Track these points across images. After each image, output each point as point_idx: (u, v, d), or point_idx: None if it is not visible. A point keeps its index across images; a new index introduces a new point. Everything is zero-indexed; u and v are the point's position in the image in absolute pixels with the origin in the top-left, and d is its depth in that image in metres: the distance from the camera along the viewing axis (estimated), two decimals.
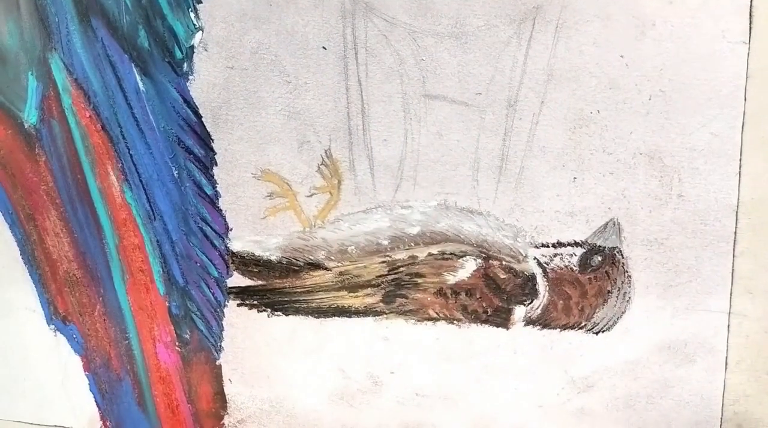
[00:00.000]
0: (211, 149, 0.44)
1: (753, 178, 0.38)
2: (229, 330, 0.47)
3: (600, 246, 0.41)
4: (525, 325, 0.43)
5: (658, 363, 0.42)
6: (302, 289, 0.45)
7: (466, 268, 0.42)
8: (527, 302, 0.42)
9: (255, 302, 0.46)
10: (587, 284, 0.41)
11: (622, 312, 0.41)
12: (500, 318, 0.43)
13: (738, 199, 0.39)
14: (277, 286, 0.45)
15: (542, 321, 0.42)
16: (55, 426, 0.52)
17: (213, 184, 0.44)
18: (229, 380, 0.48)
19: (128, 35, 0.43)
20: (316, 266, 0.44)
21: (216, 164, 0.44)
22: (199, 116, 0.43)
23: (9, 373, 0.52)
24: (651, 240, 0.40)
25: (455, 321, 0.44)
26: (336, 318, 0.45)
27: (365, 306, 0.44)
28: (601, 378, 0.43)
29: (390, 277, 0.43)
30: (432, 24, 0.40)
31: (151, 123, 0.44)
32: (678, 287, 0.40)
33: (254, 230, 0.45)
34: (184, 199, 0.45)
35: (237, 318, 0.46)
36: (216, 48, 0.42)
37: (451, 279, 0.43)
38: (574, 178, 0.40)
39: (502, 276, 0.42)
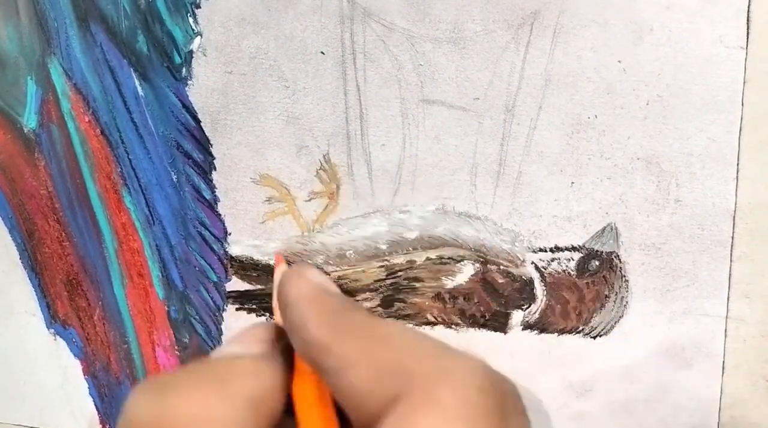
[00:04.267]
0: (210, 154, 0.44)
1: (750, 183, 0.38)
2: (228, 334, 0.47)
3: (598, 250, 0.41)
4: (523, 330, 0.43)
5: (656, 368, 0.42)
6: None
7: (464, 273, 0.42)
8: (525, 306, 0.42)
9: (254, 306, 0.46)
10: (585, 288, 0.41)
11: (620, 317, 0.41)
12: (498, 323, 0.43)
13: (735, 204, 0.39)
14: None
15: (540, 326, 0.42)
16: None
17: (212, 188, 0.44)
18: None
19: (127, 40, 0.43)
20: None
21: (215, 169, 0.44)
22: (197, 121, 0.44)
23: (8, 377, 0.52)
24: (648, 244, 0.40)
25: (453, 326, 0.44)
26: None
27: None
28: (599, 383, 0.43)
29: (388, 282, 0.43)
30: (430, 29, 0.40)
31: (150, 128, 0.44)
32: (675, 291, 0.40)
33: (253, 234, 0.45)
34: (183, 203, 0.45)
35: (236, 322, 0.47)
36: (215, 53, 0.42)
37: (449, 283, 0.43)
38: (572, 182, 0.40)
39: (500, 281, 0.42)
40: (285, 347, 0.25)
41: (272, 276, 0.45)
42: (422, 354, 0.20)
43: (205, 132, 0.44)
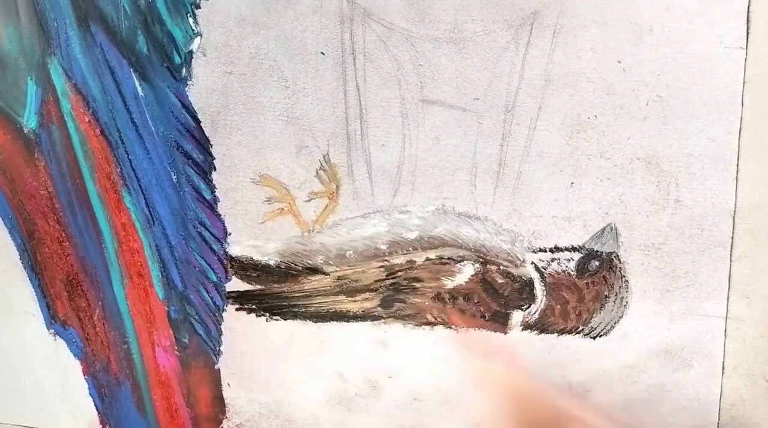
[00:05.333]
0: (210, 154, 0.44)
1: (750, 183, 0.38)
2: (228, 334, 0.47)
3: (597, 251, 0.41)
4: (523, 330, 0.43)
5: (656, 368, 0.42)
6: (300, 294, 0.45)
7: (464, 273, 0.42)
8: (525, 307, 0.42)
9: (253, 306, 0.46)
10: (585, 289, 0.41)
11: (620, 317, 0.41)
12: (498, 323, 0.43)
13: (735, 204, 0.39)
14: (276, 291, 0.45)
15: (540, 326, 0.42)
16: None
17: (212, 188, 0.44)
18: (228, 384, 0.48)
19: (127, 40, 0.43)
20: (314, 271, 0.44)
21: (215, 169, 0.44)
22: (197, 121, 0.44)
23: (9, 377, 0.52)
24: (648, 245, 0.40)
25: (453, 326, 0.44)
26: (334, 322, 0.45)
27: (363, 311, 0.44)
28: (599, 383, 0.43)
29: (388, 282, 0.43)
30: (430, 29, 0.40)
31: (150, 128, 0.44)
32: (675, 292, 0.40)
33: (253, 235, 0.45)
34: (183, 203, 0.45)
35: (235, 323, 0.47)
36: (214, 53, 0.42)
37: (449, 283, 0.43)
38: (572, 183, 0.40)
39: (500, 281, 0.42)
40: None
41: (272, 276, 0.45)
42: None
43: (205, 132, 0.44)
